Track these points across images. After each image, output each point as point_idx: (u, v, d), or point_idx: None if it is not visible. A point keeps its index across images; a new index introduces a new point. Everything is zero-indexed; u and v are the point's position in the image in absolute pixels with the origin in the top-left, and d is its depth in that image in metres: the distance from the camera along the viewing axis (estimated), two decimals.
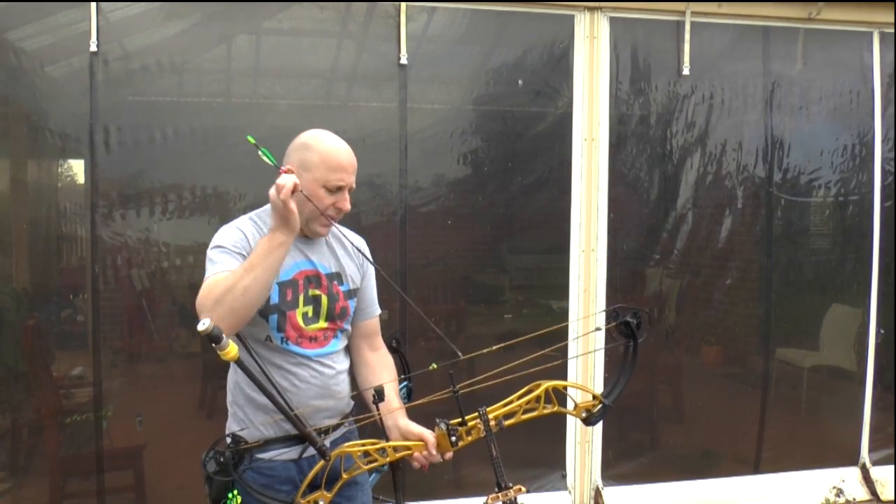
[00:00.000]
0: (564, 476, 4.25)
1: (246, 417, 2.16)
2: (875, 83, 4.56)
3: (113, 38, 3.66)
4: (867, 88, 4.58)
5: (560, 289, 4.22)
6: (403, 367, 2.49)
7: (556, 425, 4.18)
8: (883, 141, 4.60)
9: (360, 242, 2.37)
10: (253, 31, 3.93)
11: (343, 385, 2.23)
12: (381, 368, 2.33)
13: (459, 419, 2.02)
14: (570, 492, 4.24)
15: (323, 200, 2.11)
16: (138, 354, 3.85)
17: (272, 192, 1.96)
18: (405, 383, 2.46)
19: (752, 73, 4.46)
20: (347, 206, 2.15)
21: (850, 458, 4.67)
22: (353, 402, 2.30)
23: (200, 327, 1.75)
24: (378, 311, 2.40)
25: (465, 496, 3.94)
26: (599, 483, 4.25)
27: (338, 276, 2.24)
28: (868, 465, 4.63)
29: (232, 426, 2.19)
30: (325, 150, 2.12)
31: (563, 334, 2.27)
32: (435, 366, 2.13)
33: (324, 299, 2.19)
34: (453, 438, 2.01)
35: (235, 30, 3.89)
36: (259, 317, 2.09)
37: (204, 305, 1.95)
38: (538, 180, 4.28)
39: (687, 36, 4.22)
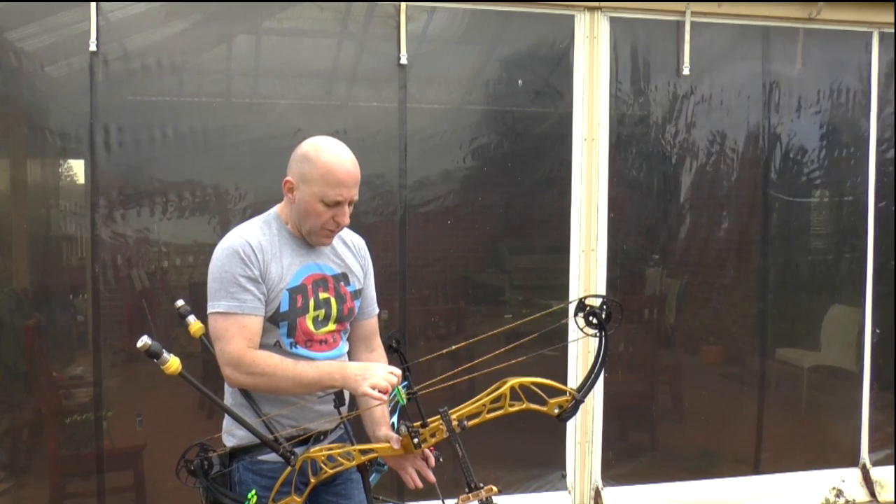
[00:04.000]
0: (564, 476, 4.25)
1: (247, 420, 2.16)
2: (873, 83, 4.56)
3: (113, 38, 3.66)
4: (866, 89, 4.58)
5: (560, 289, 4.22)
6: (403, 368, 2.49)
7: (555, 425, 4.18)
8: (878, 141, 4.59)
9: (361, 241, 2.37)
10: (253, 31, 3.93)
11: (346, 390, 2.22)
12: None
13: (420, 422, 2.02)
14: (569, 492, 4.24)
15: (321, 215, 2.08)
16: (138, 354, 3.81)
17: (374, 378, 1.98)
18: (405, 382, 2.46)
19: (752, 73, 4.45)
20: (346, 220, 2.12)
21: (850, 459, 4.66)
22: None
23: (139, 343, 1.84)
24: (377, 310, 2.40)
25: None
26: (599, 483, 4.25)
27: (344, 277, 2.24)
28: (868, 465, 4.63)
29: (229, 425, 2.20)
30: (324, 165, 2.06)
31: (537, 330, 2.25)
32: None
33: (333, 302, 2.19)
34: (416, 440, 2.00)
35: (235, 30, 3.89)
36: (269, 323, 2.10)
37: (240, 367, 2.04)
38: (538, 180, 4.28)
39: (687, 36, 4.22)
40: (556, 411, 2.05)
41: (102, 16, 3.59)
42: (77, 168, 3.82)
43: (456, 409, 2.01)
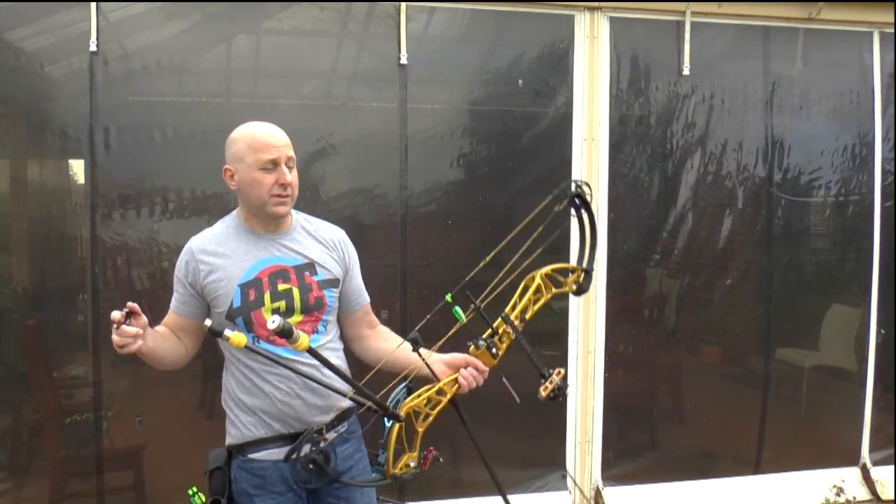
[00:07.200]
0: (564, 476, 4.25)
1: (236, 419, 2.17)
2: (875, 83, 4.56)
3: (113, 38, 3.66)
4: (867, 88, 4.58)
5: None
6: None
7: (556, 425, 4.19)
8: (883, 140, 4.60)
9: (340, 234, 2.35)
10: (253, 31, 3.93)
11: (331, 378, 2.04)
12: (389, 334, 2.40)
13: (490, 331, 2.11)
14: (570, 492, 4.24)
15: (264, 182, 2.12)
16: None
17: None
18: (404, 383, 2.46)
19: (752, 73, 4.45)
20: (287, 178, 2.14)
21: (851, 459, 4.66)
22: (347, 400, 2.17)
23: (271, 325, 1.79)
24: (367, 299, 2.40)
25: (465, 496, 3.94)
26: (600, 483, 4.25)
27: (310, 267, 2.22)
28: (868, 465, 4.63)
29: (228, 426, 2.21)
30: (247, 135, 2.16)
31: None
32: (449, 297, 2.14)
33: (295, 292, 2.16)
34: (494, 350, 2.10)
35: (235, 30, 3.89)
36: (227, 320, 2.10)
37: None
38: (538, 180, 4.28)
39: (687, 36, 4.22)
40: (574, 287, 2.25)
41: (102, 16, 3.59)
42: (77, 168, 3.82)
43: (507, 310, 2.13)
